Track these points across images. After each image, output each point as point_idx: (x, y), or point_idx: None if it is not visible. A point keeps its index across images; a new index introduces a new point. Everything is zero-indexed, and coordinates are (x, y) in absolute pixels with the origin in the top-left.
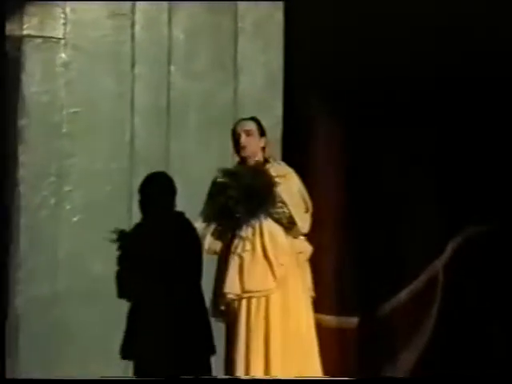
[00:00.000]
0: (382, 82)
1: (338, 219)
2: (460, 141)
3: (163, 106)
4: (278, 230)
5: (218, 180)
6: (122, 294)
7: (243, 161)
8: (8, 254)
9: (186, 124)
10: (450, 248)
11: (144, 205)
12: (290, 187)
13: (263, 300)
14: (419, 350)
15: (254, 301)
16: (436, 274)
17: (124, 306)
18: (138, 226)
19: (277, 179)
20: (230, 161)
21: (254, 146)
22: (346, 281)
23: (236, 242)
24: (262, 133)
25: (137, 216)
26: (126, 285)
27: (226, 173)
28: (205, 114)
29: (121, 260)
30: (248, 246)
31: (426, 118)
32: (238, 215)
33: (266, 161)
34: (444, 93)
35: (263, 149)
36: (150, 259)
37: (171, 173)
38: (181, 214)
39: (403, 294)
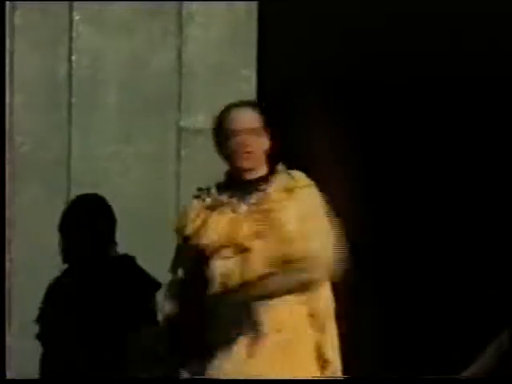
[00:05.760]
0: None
1: None
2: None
3: (61, 78)
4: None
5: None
6: None
7: (238, 173)
8: None
9: (100, 107)
10: None
11: (66, 246)
12: (297, 210)
13: None
14: None
15: None
16: None
17: None
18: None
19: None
20: (175, 168)
21: (259, 151)
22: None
23: None
24: (266, 126)
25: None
26: None
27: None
28: (131, 90)
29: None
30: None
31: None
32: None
33: (273, 172)
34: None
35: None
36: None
37: (75, 188)
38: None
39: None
